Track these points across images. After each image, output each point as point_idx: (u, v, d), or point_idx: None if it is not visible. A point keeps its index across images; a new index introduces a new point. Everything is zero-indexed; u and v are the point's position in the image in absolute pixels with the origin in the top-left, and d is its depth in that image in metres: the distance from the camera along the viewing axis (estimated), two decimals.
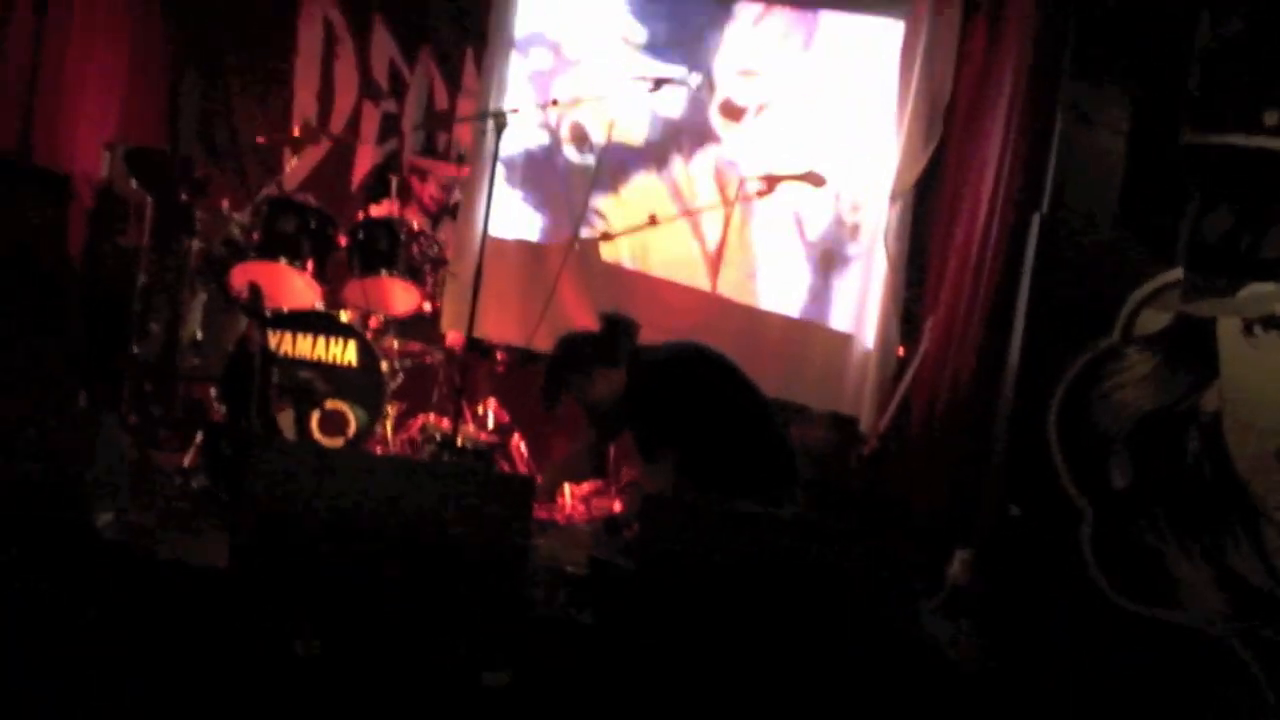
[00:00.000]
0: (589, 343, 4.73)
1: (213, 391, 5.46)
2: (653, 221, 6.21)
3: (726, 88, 6.20)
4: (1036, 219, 4.74)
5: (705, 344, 4.83)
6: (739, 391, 4.73)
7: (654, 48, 6.24)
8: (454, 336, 6.18)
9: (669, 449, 4.59)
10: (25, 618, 3.43)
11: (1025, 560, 4.27)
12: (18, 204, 5.43)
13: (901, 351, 5.94)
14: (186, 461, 5.05)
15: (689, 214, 6.21)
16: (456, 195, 6.38)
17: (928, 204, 6.05)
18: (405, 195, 6.34)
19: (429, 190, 6.62)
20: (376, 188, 6.76)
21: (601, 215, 6.29)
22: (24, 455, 3.60)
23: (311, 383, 5.32)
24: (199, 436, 5.17)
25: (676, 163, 6.29)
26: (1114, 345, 4.36)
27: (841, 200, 6.11)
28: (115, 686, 3.43)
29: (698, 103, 6.21)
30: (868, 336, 5.99)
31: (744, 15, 6.17)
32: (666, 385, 4.65)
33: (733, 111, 6.21)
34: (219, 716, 3.42)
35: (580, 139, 6.29)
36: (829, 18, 6.08)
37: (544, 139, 6.30)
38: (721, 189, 6.18)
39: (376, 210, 6.14)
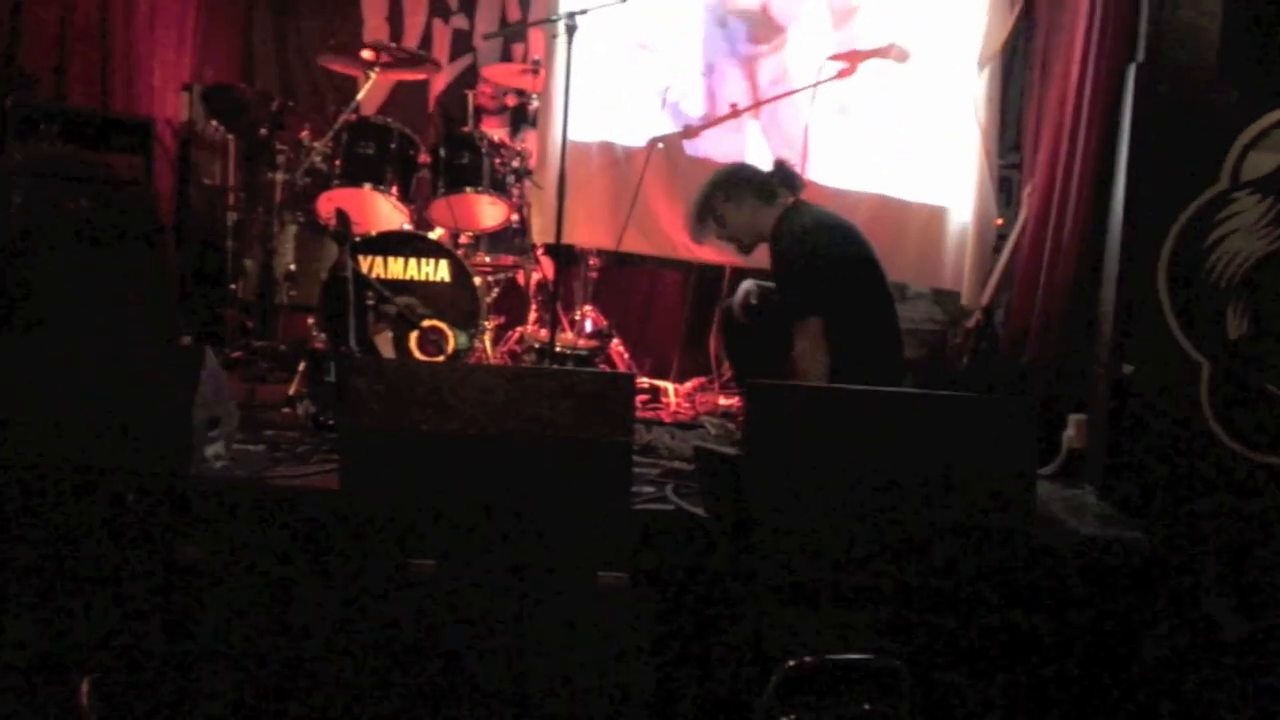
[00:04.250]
0: (752, 176, 4.87)
1: (311, 320, 5.49)
2: (734, 112, 6.10)
3: None
4: (1132, 70, 4.53)
5: None
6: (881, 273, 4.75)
7: None
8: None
9: (816, 316, 4.57)
10: (145, 554, 3.51)
11: (1142, 419, 4.15)
12: (103, 153, 5.46)
13: (1000, 222, 5.80)
14: (291, 391, 5.10)
15: (772, 100, 6.08)
16: (535, 104, 6.31)
17: (1017, 67, 5.88)
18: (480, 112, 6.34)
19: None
20: (453, 105, 6.75)
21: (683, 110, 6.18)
22: (131, 395, 3.64)
23: (410, 307, 5.33)
24: (302, 365, 5.22)
25: (756, 50, 6.17)
26: (1222, 191, 4.17)
27: (927, 72, 5.94)
28: (238, 611, 3.51)
29: None
30: (964, 209, 5.86)
31: None
32: (828, 240, 4.69)
33: None
34: (340, 637, 3.48)
35: (654, 35, 6.17)
36: None
37: (619, 38, 6.18)
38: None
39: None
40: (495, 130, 6.32)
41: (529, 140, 6.33)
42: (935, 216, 5.98)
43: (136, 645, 3.42)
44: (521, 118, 6.73)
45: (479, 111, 6.44)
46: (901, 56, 5.90)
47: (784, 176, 4.88)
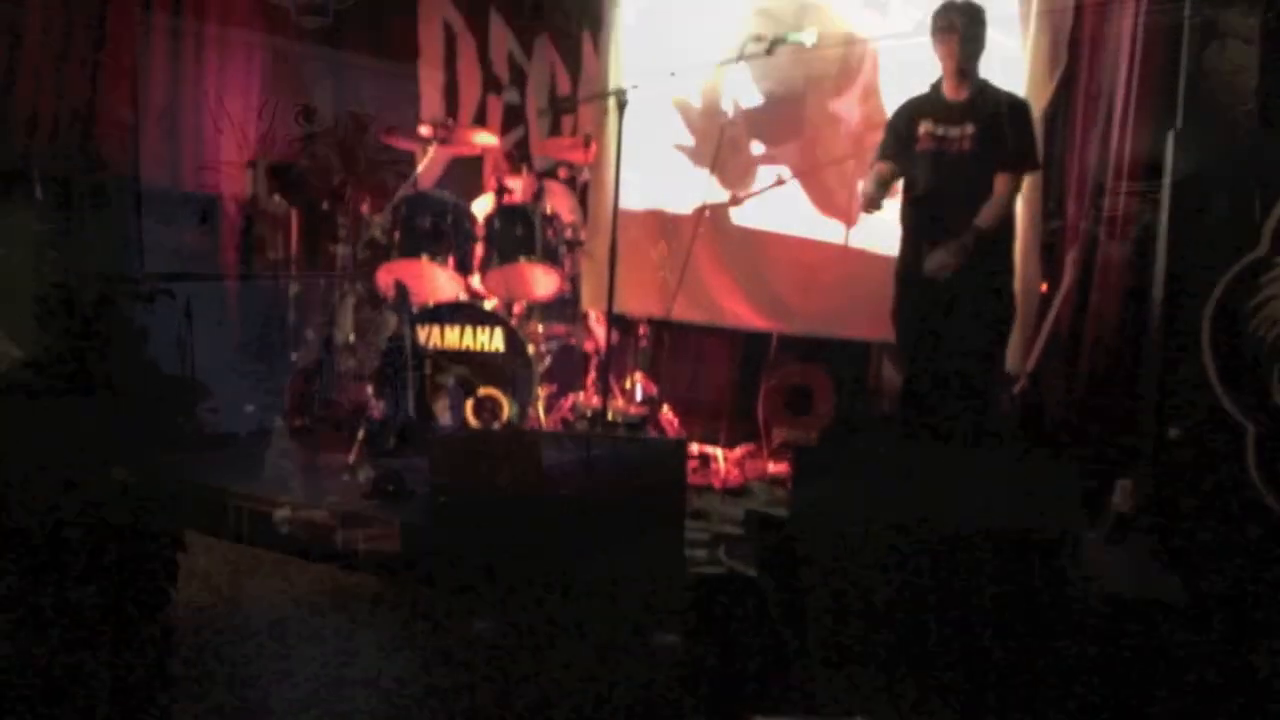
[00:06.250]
0: None
1: (369, 389, 5.63)
2: (780, 182, 6.21)
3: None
4: (1171, 135, 4.62)
5: None
6: None
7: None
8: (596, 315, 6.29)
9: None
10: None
11: (1188, 482, 4.19)
12: (173, 228, 5.66)
13: (1044, 287, 5.85)
14: (351, 458, 5.22)
15: (816, 170, 6.19)
16: (585, 175, 6.46)
17: (1059, 132, 5.95)
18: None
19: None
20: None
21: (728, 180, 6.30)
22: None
23: (466, 378, 5.45)
24: (361, 433, 5.34)
25: (800, 121, 6.29)
26: (1263, 256, 4.24)
27: None
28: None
29: (818, 60, 6.18)
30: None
31: None
32: None
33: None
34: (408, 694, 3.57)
35: (702, 108, 6.32)
36: None
37: (667, 111, 6.33)
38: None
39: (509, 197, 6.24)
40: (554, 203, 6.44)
41: (554, 194, 6.42)
42: None
43: None
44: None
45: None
46: None
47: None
